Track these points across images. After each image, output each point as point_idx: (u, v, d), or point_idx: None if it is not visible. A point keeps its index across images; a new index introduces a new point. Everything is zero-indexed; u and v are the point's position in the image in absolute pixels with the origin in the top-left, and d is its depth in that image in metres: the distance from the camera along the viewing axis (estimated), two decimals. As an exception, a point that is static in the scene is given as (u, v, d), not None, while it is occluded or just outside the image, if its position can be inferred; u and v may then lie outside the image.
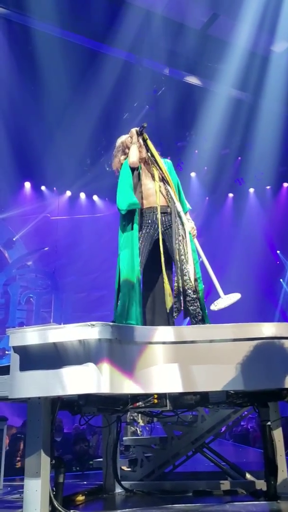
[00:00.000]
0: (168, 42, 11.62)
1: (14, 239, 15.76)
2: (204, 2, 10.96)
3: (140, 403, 3.48)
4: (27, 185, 15.67)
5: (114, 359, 3.20)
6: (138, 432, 5.92)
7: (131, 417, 5.33)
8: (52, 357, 3.21)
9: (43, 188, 15.94)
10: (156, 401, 3.47)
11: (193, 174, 16.07)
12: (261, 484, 4.04)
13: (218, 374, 3.36)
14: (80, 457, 6.37)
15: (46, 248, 15.57)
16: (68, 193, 16.28)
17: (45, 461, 3.25)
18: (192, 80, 12.92)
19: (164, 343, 3.44)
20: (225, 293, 4.76)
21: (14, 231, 15.79)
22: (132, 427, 5.89)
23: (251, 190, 17.23)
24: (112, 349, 3.20)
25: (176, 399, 3.57)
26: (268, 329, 3.46)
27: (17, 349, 3.27)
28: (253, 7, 10.49)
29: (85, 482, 4.90)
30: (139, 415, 5.05)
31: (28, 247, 15.71)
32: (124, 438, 5.25)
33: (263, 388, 3.46)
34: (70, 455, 6.37)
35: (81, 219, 16.09)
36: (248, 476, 4.55)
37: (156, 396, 3.46)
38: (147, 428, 5.94)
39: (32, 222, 15.59)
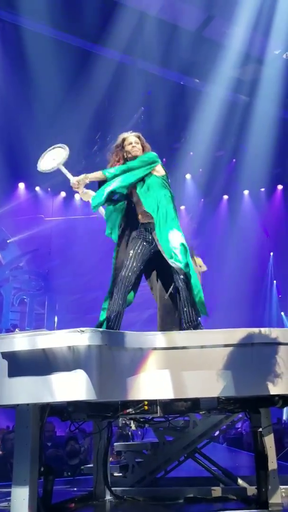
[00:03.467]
0: (163, 44, 11.61)
1: (8, 241, 15.70)
2: (199, 4, 10.94)
3: (130, 409, 3.44)
4: (21, 186, 15.63)
5: (104, 366, 3.17)
6: (130, 436, 5.88)
7: (123, 422, 5.29)
8: (41, 364, 3.17)
9: (37, 189, 15.90)
10: (146, 407, 3.44)
11: (188, 176, 16.07)
12: (253, 490, 4.01)
13: (209, 380, 3.33)
14: (71, 457, 6.33)
15: (37, 250, 15.52)
16: (63, 193, 16.24)
17: (34, 468, 3.21)
18: (187, 81, 12.90)
19: (155, 349, 3.40)
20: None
21: (8, 232, 15.73)
22: (124, 431, 5.86)
23: (246, 192, 17.25)
24: (102, 355, 3.16)
25: (167, 405, 3.53)
26: (259, 334, 3.43)
27: (5, 355, 3.22)
28: (247, 9, 10.49)
29: (75, 489, 4.84)
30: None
31: (22, 248, 15.65)
32: (115, 443, 5.21)
33: (254, 394, 3.43)
34: (61, 457, 6.33)
35: (75, 220, 16.03)
36: (240, 481, 4.51)
37: (146, 402, 3.42)
38: (139, 432, 5.90)
39: (26, 223, 15.53)
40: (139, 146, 4.44)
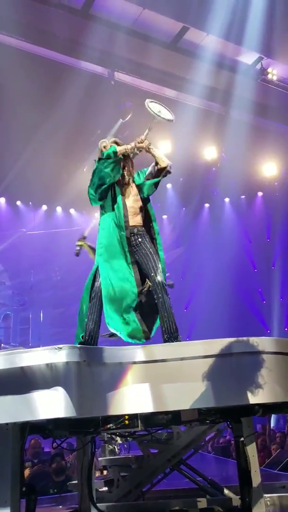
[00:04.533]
0: (138, 55, 11.69)
1: (-11, 256, 15.57)
2: (173, 15, 11.01)
3: (111, 424, 3.43)
4: (2, 200, 15.55)
5: (83, 382, 3.16)
6: (116, 450, 5.84)
7: (109, 435, 5.26)
8: (19, 382, 3.16)
9: (18, 203, 15.83)
10: (127, 422, 3.43)
11: (169, 186, 16.12)
12: (238, 501, 4.00)
13: (190, 392, 3.33)
14: (57, 474, 6.26)
15: (20, 264, 15.41)
16: (44, 207, 16.19)
17: (15, 489, 3.18)
18: (164, 91, 12.98)
19: (134, 363, 3.41)
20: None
21: (-11, 247, 15.61)
22: (110, 445, 5.81)
23: (227, 199, 17.36)
24: (81, 372, 3.16)
25: (148, 418, 3.53)
26: (238, 344, 3.45)
27: (-17, 375, 3.20)
28: (220, 20, 10.58)
29: (60, 507, 4.80)
30: (116, 433, 4.99)
31: (4, 263, 15.53)
32: (99, 458, 5.17)
33: (235, 404, 3.44)
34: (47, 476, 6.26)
35: (58, 233, 15.97)
36: (226, 491, 4.50)
37: (127, 417, 3.42)
38: (125, 445, 5.86)
39: (7, 238, 15.42)
40: None
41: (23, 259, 15.50)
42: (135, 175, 4.60)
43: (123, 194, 4.46)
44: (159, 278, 4.14)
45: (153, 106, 4.61)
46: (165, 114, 4.69)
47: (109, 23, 10.74)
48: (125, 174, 4.52)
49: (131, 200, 4.47)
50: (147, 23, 11.03)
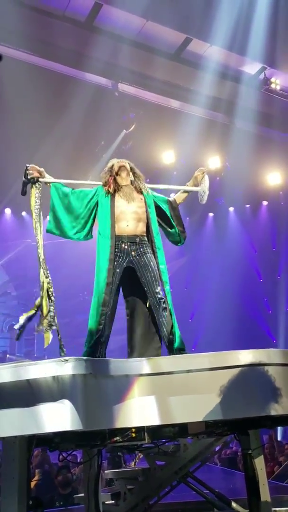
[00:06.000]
0: (142, 66, 11.77)
1: (-5, 267, 15.63)
2: (176, 27, 11.08)
3: (118, 437, 3.41)
4: (7, 211, 15.60)
5: (90, 395, 3.14)
6: (123, 462, 5.82)
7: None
8: (26, 395, 3.14)
9: (23, 213, 15.88)
10: (134, 434, 3.41)
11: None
12: (246, 514, 3.97)
13: (196, 405, 3.31)
14: (63, 487, 6.22)
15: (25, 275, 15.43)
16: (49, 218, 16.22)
17: (22, 503, 3.16)
18: (167, 102, 13.04)
19: (140, 375, 3.39)
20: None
21: (-5, 258, 15.67)
22: (116, 458, 5.79)
23: (231, 209, 17.34)
24: (87, 384, 3.14)
25: (155, 431, 3.51)
26: (244, 356, 3.43)
27: (-11, 388, 3.19)
28: (223, 30, 10.64)
29: (66, 520, 4.77)
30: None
31: (9, 274, 15.56)
32: (106, 471, 5.14)
33: (242, 416, 3.42)
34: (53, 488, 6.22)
35: (63, 243, 15.94)
36: (234, 505, 4.47)
37: (134, 429, 3.39)
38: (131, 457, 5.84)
39: (13, 249, 15.46)
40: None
41: (28, 270, 15.49)
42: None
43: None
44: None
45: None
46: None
47: (113, 35, 10.81)
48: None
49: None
50: (151, 34, 11.09)
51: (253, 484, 3.51)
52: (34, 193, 4.46)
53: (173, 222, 4.75)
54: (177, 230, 4.75)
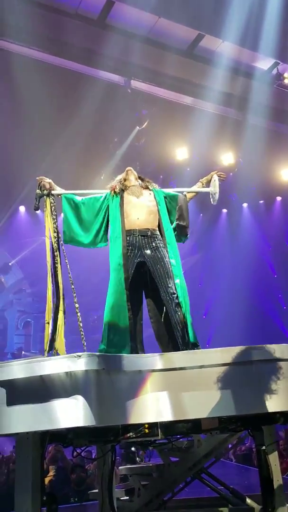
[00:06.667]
0: (155, 63, 11.75)
1: (10, 263, 15.73)
2: (189, 23, 11.05)
3: (131, 433, 3.41)
4: (22, 209, 15.69)
5: (103, 390, 3.15)
6: (137, 458, 5.82)
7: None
8: (39, 391, 3.15)
9: (37, 211, 15.94)
10: (147, 430, 3.40)
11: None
12: (260, 510, 3.95)
13: (209, 400, 3.30)
14: (78, 485, 6.25)
15: (40, 272, 15.52)
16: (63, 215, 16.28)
17: (36, 498, 3.18)
18: (180, 98, 13.01)
19: (153, 371, 3.39)
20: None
21: (10, 255, 15.76)
22: (130, 454, 5.80)
23: (245, 205, 17.28)
24: (100, 380, 3.14)
25: (168, 427, 3.50)
26: (258, 351, 3.41)
27: (3, 384, 3.21)
28: (235, 26, 10.58)
29: (81, 516, 4.80)
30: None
31: (24, 271, 15.66)
32: (120, 467, 5.16)
33: (255, 412, 3.39)
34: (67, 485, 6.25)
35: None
36: (248, 501, 4.45)
37: (147, 425, 3.39)
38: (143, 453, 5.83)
39: (27, 246, 15.55)
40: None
41: (43, 267, 15.56)
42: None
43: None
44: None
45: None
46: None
47: (125, 32, 10.81)
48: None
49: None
50: (163, 31, 11.08)
51: (267, 480, 3.48)
52: (49, 206, 4.48)
53: (174, 213, 4.69)
54: (174, 225, 4.67)
